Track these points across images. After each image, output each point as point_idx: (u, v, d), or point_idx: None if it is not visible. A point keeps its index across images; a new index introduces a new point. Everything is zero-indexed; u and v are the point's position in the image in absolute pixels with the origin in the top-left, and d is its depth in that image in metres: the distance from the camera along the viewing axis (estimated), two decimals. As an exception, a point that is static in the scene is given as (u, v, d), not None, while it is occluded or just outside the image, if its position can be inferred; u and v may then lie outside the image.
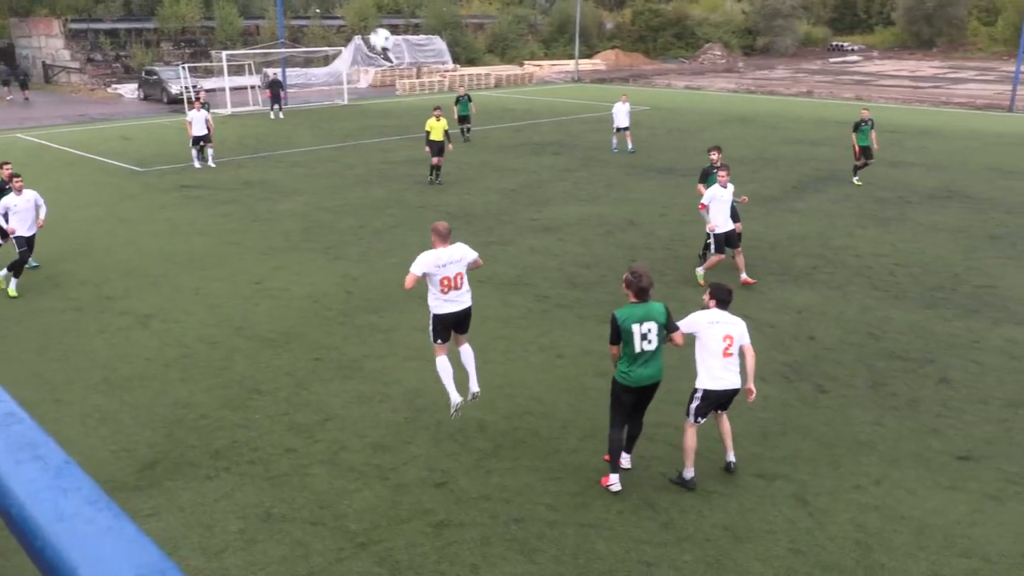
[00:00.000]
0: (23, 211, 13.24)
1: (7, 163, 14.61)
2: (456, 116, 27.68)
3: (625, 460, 7.74)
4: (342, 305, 12.62)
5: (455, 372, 8.81)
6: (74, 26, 54.01)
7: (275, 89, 37.92)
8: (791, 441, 8.43)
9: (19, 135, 32.12)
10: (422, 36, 62.26)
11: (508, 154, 26.41)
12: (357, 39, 57.88)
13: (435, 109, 21.40)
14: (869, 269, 14.17)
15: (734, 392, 7.48)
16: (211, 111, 30.63)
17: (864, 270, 14.11)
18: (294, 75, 52.23)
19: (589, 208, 18.73)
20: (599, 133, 30.99)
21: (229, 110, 38.56)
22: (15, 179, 13.34)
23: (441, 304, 8.25)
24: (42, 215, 13.55)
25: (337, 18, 68.65)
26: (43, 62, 54.71)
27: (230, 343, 11.17)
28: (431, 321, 8.36)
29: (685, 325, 7.38)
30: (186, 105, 38.51)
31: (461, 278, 8.24)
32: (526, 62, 68.91)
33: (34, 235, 13.47)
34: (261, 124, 34.89)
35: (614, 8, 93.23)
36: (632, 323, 7.06)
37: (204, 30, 58.64)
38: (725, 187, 12.91)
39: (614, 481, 7.44)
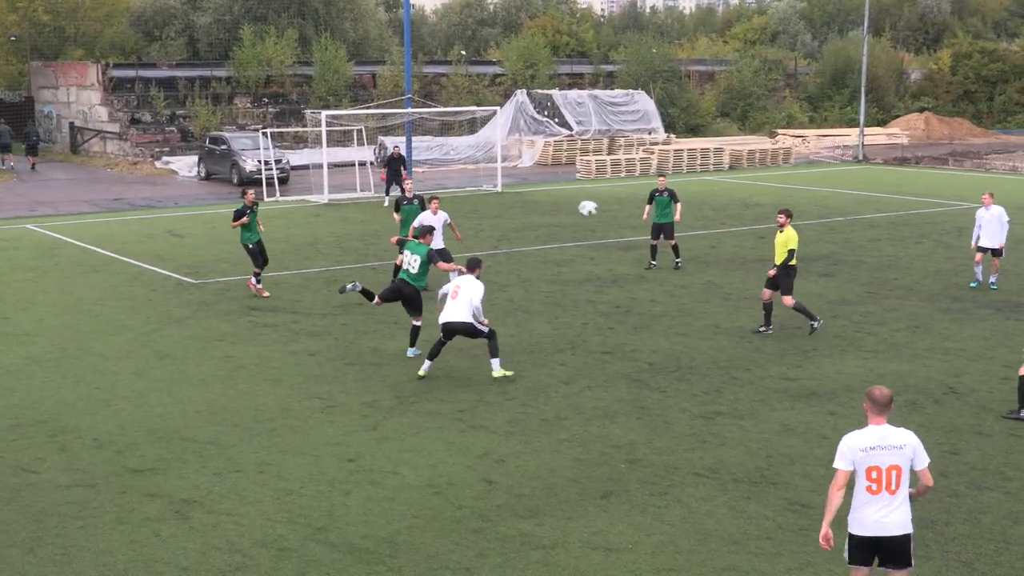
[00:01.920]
0: None
1: None
2: (647, 216, 26.96)
3: None
4: (478, 502, 12.71)
5: None
6: (117, 73, 59.54)
7: (394, 167, 39.92)
8: None
9: (28, 225, 35.22)
10: (619, 92, 64.51)
11: (749, 274, 26.42)
12: (520, 94, 60.57)
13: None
14: None
15: None
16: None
17: None
18: (425, 146, 55.06)
19: (879, 364, 18.38)
20: (896, 244, 30.53)
21: (326, 197, 40.84)
22: None
23: (864, 511, 9.24)
24: None
25: (491, 63, 72.42)
26: (71, 123, 60.30)
27: (306, 551, 11.42)
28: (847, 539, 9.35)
29: None
30: (265, 190, 41.39)
31: (900, 474, 9.17)
32: (780, 131, 69.67)
33: None
34: (371, 218, 36.65)
35: (923, 49, 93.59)
36: None
37: (297, 80, 63.11)
38: None
39: None
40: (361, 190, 43.61)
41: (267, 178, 42.90)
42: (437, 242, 22.68)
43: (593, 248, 29.97)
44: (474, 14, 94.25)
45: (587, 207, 29.86)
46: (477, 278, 17.66)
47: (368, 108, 52.11)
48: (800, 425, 15.38)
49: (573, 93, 62.78)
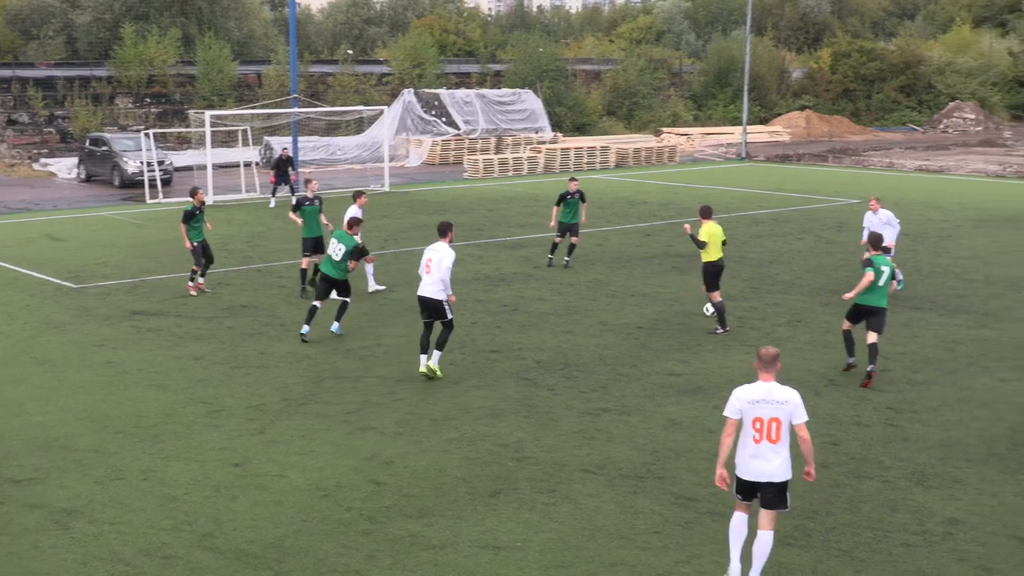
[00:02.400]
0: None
1: None
2: (555, 222, 27.20)
3: None
4: (367, 503, 12.68)
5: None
6: (-8, 72, 57.98)
7: (282, 168, 39.63)
8: None
9: (-99, 232, 34.10)
10: (506, 91, 64.73)
11: (635, 271, 26.77)
12: (408, 94, 60.46)
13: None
14: None
15: None
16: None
17: None
18: (311, 146, 54.66)
19: (763, 358, 18.69)
20: (778, 240, 31.12)
21: (211, 198, 40.29)
22: None
23: (748, 457, 10.50)
24: None
25: (378, 63, 72.17)
26: (-57, 125, 58.58)
27: (192, 559, 11.27)
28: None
29: None
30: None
31: (779, 427, 10.38)
32: (665, 130, 70.56)
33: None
34: (256, 219, 36.31)
35: (804, 49, 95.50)
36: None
37: (180, 80, 62.19)
38: None
39: None
40: (247, 191, 43.14)
41: (150, 180, 42.23)
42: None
43: (481, 247, 30.06)
44: (361, 13, 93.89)
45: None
46: (449, 243, 17.52)
47: (253, 108, 51.60)
48: (686, 420, 15.60)
49: (460, 92, 62.85)
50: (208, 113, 42.82)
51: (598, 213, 36.86)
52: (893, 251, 24.22)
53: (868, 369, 17.14)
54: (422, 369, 17.55)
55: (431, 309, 17.45)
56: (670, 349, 19.49)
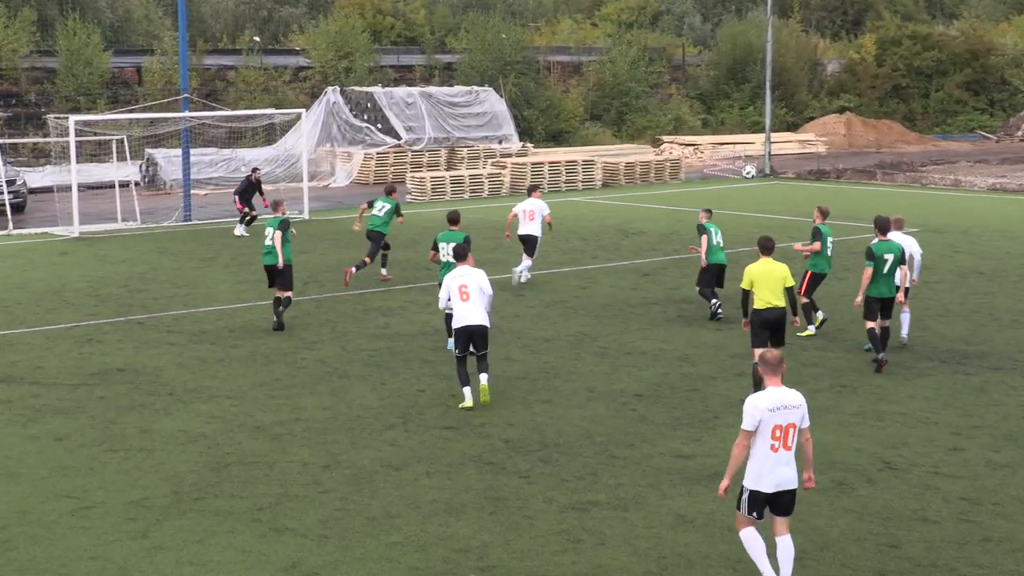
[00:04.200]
0: None
1: None
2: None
3: None
4: (285, 630, 12.48)
5: None
6: None
7: (251, 193, 40.41)
8: None
9: None
10: (460, 89, 64.87)
11: (630, 322, 26.77)
12: (332, 93, 60.39)
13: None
14: None
15: None
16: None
17: None
18: (208, 161, 54.44)
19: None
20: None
21: (76, 229, 40.09)
22: None
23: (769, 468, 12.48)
24: None
25: (294, 53, 72.25)
26: None
27: None
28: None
29: None
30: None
31: (794, 432, 12.53)
32: (666, 139, 70.86)
33: None
34: (137, 256, 36.06)
35: (841, 35, 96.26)
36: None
37: (36, 76, 62.03)
38: None
39: None
40: (124, 219, 42.97)
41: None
42: None
43: (427, 291, 29.87)
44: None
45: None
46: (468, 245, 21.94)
47: (132, 111, 51.39)
48: (699, 516, 15.49)
49: (401, 91, 62.99)
50: (73, 118, 42.54)
51: (580, 247, 36.88)
52: (909, 294, 23.85)
53: (880, 357, 21.93)
54: (467, 403, 19.95)
55: (478, 338, 19.97)
56: (677, 423, 19.42)
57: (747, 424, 12.26)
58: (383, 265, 31.64)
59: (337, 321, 26.82)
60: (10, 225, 41.40)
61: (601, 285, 30.95)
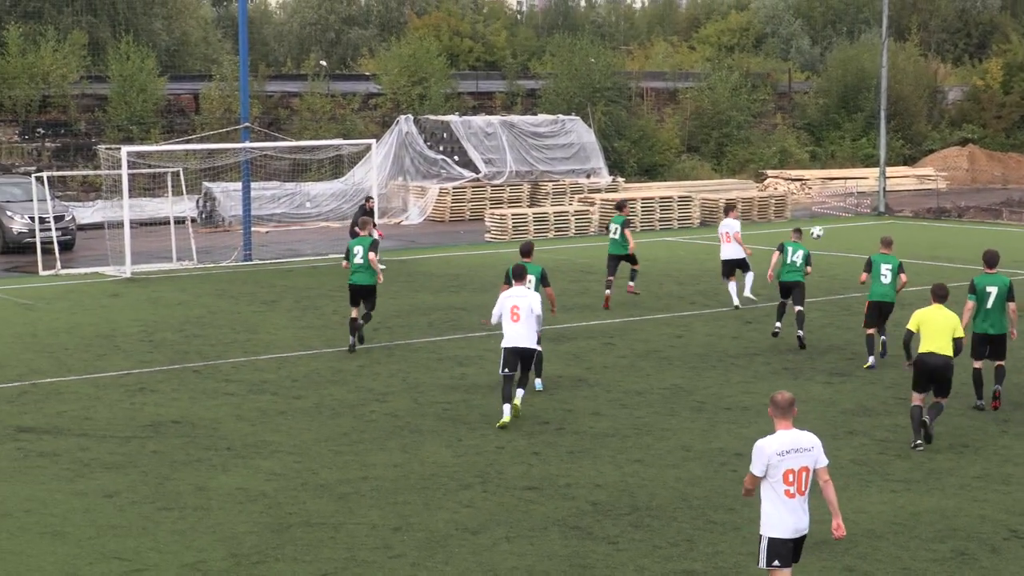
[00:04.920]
0: None
1: None
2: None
3: None
4: None
5: None
6: None
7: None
8: None
9: None
10: (544, 118, 64.89)
11: (731, 374, 26.74)
12: (405, 122, 60.61)
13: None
14: None
15: None
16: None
17: None
18: (270, 195, 54.74)
19: (914, 498, 18.59)
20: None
21: (128, 269, 40.42)
22: None
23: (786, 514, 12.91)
24: None
25: (363, 78, 72.61)
26: None
27: None
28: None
29: None
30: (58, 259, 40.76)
31: (808, 475, 13.03)
32: (771, 173, 70.59)
33: None
34: (194, 299, 36.33)
35: (964, 59, 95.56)
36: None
37: (87, 103, 62.66)
38: None
39: None
40: (179, 259, 43.35)
41: (43, 243, 42.35)
42: None
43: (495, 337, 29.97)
44: (338, 10, 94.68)
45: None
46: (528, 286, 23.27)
47: (188, 142, 51.85)
48: (807, 588, 15.42)
49: (479, 120, 63.07)
50: (125, 149, 42.96)
51: (676, 292, 36.84)
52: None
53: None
54: (504, 419, 21.96)
55: (524, 359, 22.30)
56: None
57: (755, 468, 12.76)
58: (631, 279, 34.86)
59: (409, 371, 26.91)
60: (58, 264, 41.78)
61: (698, 333, 30.89)
